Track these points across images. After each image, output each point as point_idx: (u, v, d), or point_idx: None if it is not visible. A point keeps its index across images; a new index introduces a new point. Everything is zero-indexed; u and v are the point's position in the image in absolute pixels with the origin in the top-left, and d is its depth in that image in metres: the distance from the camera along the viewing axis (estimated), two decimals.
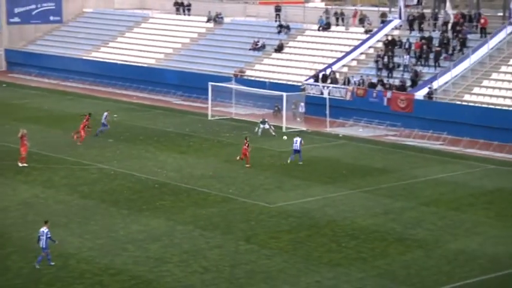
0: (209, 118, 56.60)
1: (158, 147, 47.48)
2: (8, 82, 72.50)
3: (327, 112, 54.38)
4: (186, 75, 66.69)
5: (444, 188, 39.20)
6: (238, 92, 58.27)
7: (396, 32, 61.10)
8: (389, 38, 59.64)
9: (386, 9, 66.30)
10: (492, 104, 51.10)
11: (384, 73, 57.30)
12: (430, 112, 52.13)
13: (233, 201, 36.68)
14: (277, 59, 64.68)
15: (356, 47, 61.34)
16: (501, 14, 59.81)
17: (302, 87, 58.11)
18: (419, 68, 55.99)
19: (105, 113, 50.55)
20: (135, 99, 64.83)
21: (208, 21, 73.15)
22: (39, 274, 27.69)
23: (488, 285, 27.58)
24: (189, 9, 76.53)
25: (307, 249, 30.43)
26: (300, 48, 64.88)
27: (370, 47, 61.14)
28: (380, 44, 60.36)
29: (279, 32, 67.06)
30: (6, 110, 58.83)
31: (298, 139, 43.62)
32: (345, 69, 59.94)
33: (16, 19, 79.32)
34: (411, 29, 60.41)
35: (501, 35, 55.33)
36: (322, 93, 56.84)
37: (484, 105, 51.20)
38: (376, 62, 58.33)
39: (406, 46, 57.77)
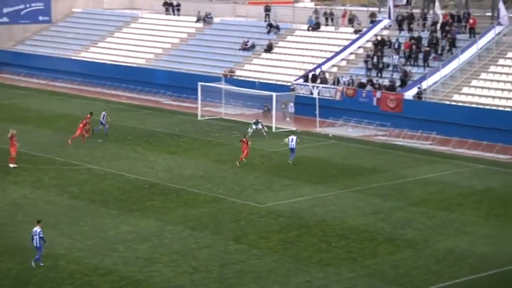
0: (199, 118, 56.58)
1: (148, 148, 47.42)
2: None
3: (317, 112, 54.45)
4: (175, 75, 66.64)
5: (433, 188, 39.31)
6: (228, 92, 58.28)
7: (385, 32, 61.22)
8: (379, 38, 59.75)
9: (376, 9, 66.44)
10: (481, 103, 51.26)
11: (374, 73, 57.40)
12: (420, 112, 52.26)
13: (223, 201, 36.68)
14: (267, 59, 64.71)
15: (345, 47, 61.43)
16: (490, 14, 60.00)
17: (292, 87, 58.15)
18: (408, 68, 56.11)
19: (103, 113, 50.65)
20: (125, 100, 64.74)
21: (197, 21, 73.12)
22: (28, 275, 27.63)
23: (477, 285, 27.67)
24: (178, 9, 76.50)
25: (297, 249, 30.46)
26: (289, 48, 64.94)
27: (359, 47, 61.24)
28: (369, 44, 60.47)
29: (269, 32, 67.10)
30: None
31: (293, 137, 43.95)
32: (335, 69, 60.02)
33: (5, 19, 79.04)
34: (400, 29, 60.54)
35: (490, 35, 55.50)
36: (311, 93, 56.90)
37: (473, 105, 51.35)
38: (366, 62, 58.43)
39: (396, 46, 57.88)
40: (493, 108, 50.55)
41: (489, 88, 52.40)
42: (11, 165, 41.97)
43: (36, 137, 49.74)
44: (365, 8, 68.85)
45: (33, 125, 53.28)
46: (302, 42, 64.87)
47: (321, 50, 62.86)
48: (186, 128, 53.39)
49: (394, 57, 57.09)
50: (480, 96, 51.98)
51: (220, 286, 27.04)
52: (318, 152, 46.65)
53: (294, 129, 52.53)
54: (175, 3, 76.88)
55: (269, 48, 65.03)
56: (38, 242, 28.21)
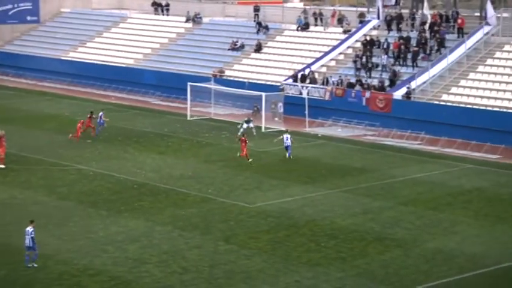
0: (188, 118, 56.56)
1: (137, 148, 47.39)
2: None
3: (306, 112, 54.51)
4: (164, 75, 66.60)
5: (422, 188, 39.42)
6: (217, 92, 58.29)
7: (374, 32, 61.35)
8: (368, 38, 59.88)
9: (365, 9, 66.53)
10: (469, 103, 51.43)
11: (363, 73, 57.51)
12: (409, 112, 52.39)
13: (212, 201, 36.70)
14: (256, 59, 64.74)
15: (334, 47, 61.52)
16: (478, 14, 60.18)
17: (281, 87, 58.21)
18: (397, 68, 56.24)
19: (101, 113, 50.98)
20: (114, 100, 64.65)
21: (186, 21, 73.08)
22: (16, 276, 27.58)
23: (466, 284, 27.77)
24: (167, 9, 76.43)
25: (286, 249, 30.50)
26: (278, 48, 64.99)
27: (348, 47, 61.34)
28: (358, 44, 60.58)
29: (258, 31, 67.14)
30: None
31: (288, 136, 44.47)
32: (324, 69, 60.11)
33: None
34: (389, 29, 60.66)
35: (478, 35, 55.68)
36: (301, 93, 56.97)
37: (461, 105, 51.51)
38: (355, 62, 58.54)
39: (385, 46, 58.02)
40: (482, 108, 50.72)
41: (478, 88, 52.58)
42: (2, 166, 41.89)
43: (25, 137, 49.61)
44: (354, 8, 68.96)
45: (22, 126, 53.13)
46: (291, 42, 64.93)
47: (310, 50, 62.93)
48: (175, 128, 53.36)
49: (383, 57, 57.20)
50: (469, 96, 52.15)
51: (210, 286, 27.06)
52: (307, 152, 46.71)
53: (283, 129, 52.53)
54: (164, 3, 76.81)
55: (258, 48, 65.06)
56: (30, 241, 28.21)
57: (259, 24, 67.42)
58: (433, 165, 44.24)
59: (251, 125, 50.95)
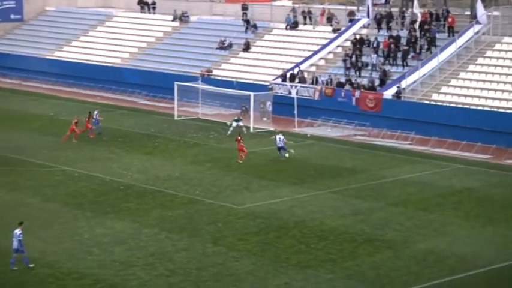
0: (175, 118, 56.50)
1: (123, 149, 47.30)
2: None
3: (295, 112, 54.53)
4: (151, 74, 66.49)
5: (412, 188, 39.50)
6: (205, 92, 58.24)
7: (364, 31, 61.42)
8: (357, 36, 59.93)
9: (354, 7, 66.63)
10: (460, 103, 51.56)
11: (352, 72, 57.56)
12: (399, 112, 52.47)
13: (200, 202, 36.66)
14: (245, 58, 64.72)
15: (324, 46, 61.57)
16: (468, 12, 60.33)
17: (270, 86, 58.20)
18: (387, 67, 56.33)
19: (96, 112, 50.96)
20: (100, 100, 64.49)
21: (174, 19, 72.99)
22: (0, 279, 27.46)
23: (457, 286, 27.83)
24: (154, 8, 76.31)
25: (275, 250, 30.50)
26: (267, 47, 64.99)
27: (338, 46, 61.39)
28: (348, 43, 60.64)
29: (246, 29, 67.12)
30: None
31: (281, 137, 44.63)
32: (313, 69, 60.15)
33: None
34: (379, 27, 60.76)
35: (469, 34, 55.80)
36: (290, 93, 56.98)
37: (452, 105, 51.63)
38: (344, 61, 58.59)
39: (374, 45, 58.10)
40: (473, 107, 50.84)
41: (468, 87, 52.71)
42: None
43: (9, 138, 49.43)
44: (343, 7, 69.02)
45: (6, 126, 52.95)
46: (280, 41, 64.94)
47: (299, 49, 62.96)
48: (162, 129, 53.29)
49: (372, 56, 57.27)
50: (459, 95, 52.28)
51: None
52: (297, 152, 46.68)
53: (272, 129, 52.59)
54: (150, 1, 76.68)
55: (247, 47, 65.05)
56: (17, 244, 28.08)
57: (247, 22, 67.41)
58: (423, 165, 44.33)
59: (240, 123, 50.99)
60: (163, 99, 63.04)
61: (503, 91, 51.31)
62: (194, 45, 68.57)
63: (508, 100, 50.34)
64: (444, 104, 51.95)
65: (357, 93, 54.69)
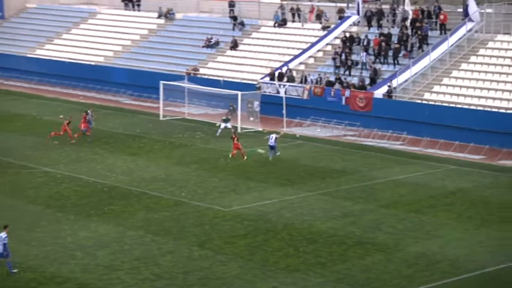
0: (161, 118, 56.45)
1: (107, 149, 47.23)
2: None
3: (284, 112, 54.58)
4: (136, 73, 66.41)
5: (404, 190, 39.58)
6: (191, 91, 58.22)
7: (354, 29, 61.52)
8: (347, 34, 60.03)
9: (344, 4, 66.66)
10: (453, 102, 51.70)
11: (342, 71, 57.64)
12: (390, 111, 52.58)
13: (186, 205, 36.64)
14: (232, 56, 64.73)
15: (313, 44, 61.63)
16: (461, 10, 60.47)
17: (257, 85, 58.24)
18: (378, 66, 56.43)
19: (89, 111, 51.05)
20: (83, 99, 64.41)
21: (159, 17, 72.93)
22: None
23: None
24: (138, 5, 76.21)
25: (263, 254, 30.51)
26: (255, 45, 65.02)
27: (327, 44, 61.46)
28: (338, 41, 60.72)
29: (234, 27, 67.11)
30: None
31: (273, 135, 44.81)
32: (302, 67, 60.19)
33: None
34: (369, 25, 60.86)
35: (461, 32, 55.92)
36: (278, 92, 57.03)
37: (444, 104, 51.77)
38: (334, 59, 58.66)
39: (365, 43, 58.19)
40: (465, 107, 50.98)
41: (461, 86, 52.86)
42: None
43: None
44: (333, 4, 69.10)
45: None
46: (268, 39, 64.99)
47: (287, 47, 63.02)
48: (147, 129, 53.24)
49: (362, 54, 57.35)
50: (452, 94, 52.43)
51: None
52: (285, 153, 46.71)
53: (260, 129, 52.63)
54: None
55: (234, 45, 65.06)
56: (1, 248, 27.97)
57: (234, 19, 67.40)
58: (415, 166, 44.43)
59: (229, 125, 51.03)
60: (148, 98, 62.98)
61: (496, 90, 51.48)
62: (180, 43, 68.53)
63: (501, 99, 50.52)
64: (436, 104, 52.07)
65: (347, 93, 54.77)
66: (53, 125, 50.21)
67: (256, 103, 55.89)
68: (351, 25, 61.98)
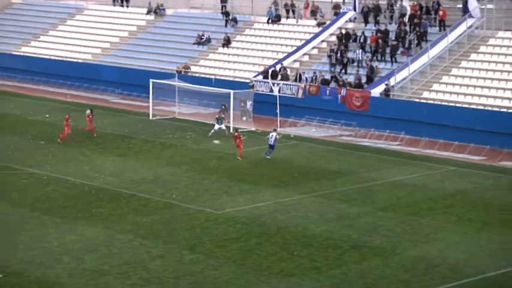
0: (150, 118, 56.45)
1: (95, 150, 47.21)
2: None
3: (278, 111, 54.61)
4: (124, 71, 66.39)
5: (402, 192, 39.64)
6: (182, 90, 58.19)
7: (350, 25, 61.60)
8: (343, 31, 60.12)
9: (340, 0, 66.74)
10: (452, 101, 51.81)
11: (338, 69, 57.69)
12: (387, 110, 52.66)
13: (176, 207, 36.65)
14: (224, 53, 64.76)
15: (308, 41, 61.70)
16: (461, 5, 60.56)
17: (250, 84, 58.27)
18: (375, 64, 56.50)
19: (88, 111, 51.60)
20: (70, 98, 64.37)
21: (148, 13, 72.91)
22: None
23: None
24: (127, 0, 76.15)
25: (256, 258, 30.53)
26: (248, 42, 65.06)
27: (322, 41, 61.54)
28: (333, 38, 60.79)
29: (226, 23, 67.13)
30: None
31: (273, 134, 45.16)
32: (296, 65, 60.26)
33: None
34: (366, 21, 60.94)
35: (461, 28, 56.02)
36: (272, 91, 57.07)
37: (443, 103, 51.88)
38: (330, 57, 58.73)
39: (361, 40, 58.27)
40: (465, 106, 51.09)
41: (461, 85, 52.97)
42: None
43: None
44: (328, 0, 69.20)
45: None
46: (261, 36, 65.03)
47: (281, 44, 63.07)
48: (136, 129, 53.23)
49: (359, 51, 57.41)
50: (451, 93, 52.53)
51: None
52: (279, 153, 46.75)
53: (253, 129, 52.66)
54: None
55: (226, 43, 65.07)
56: None
57: (226, 15, 67.40)
58: (413, 167, 44.50)
59: (223, 126, 51.05)
60: (137, 97, 62.96)
61: (497, 89, 51.61)
62: (170, 40, 68.53)
63: (502, 98, 50.64)
64: (435, 103, 52.18)
65: (343, 91, 54.83)
66: (38, 124, 50.08)
67: (249, 102, 55.93)
68: (347, 21, 62.06)
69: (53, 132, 50.20)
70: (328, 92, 55.52)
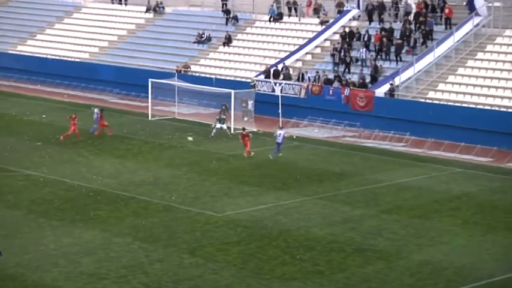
0: (149, 118, 56.51)
1: (93, 151, 47.26)
2: None
3: (280, 111, 54.64)
4: (123, 70, 66.45)
5: (407, 194, 39.67)
6: (182, 90, 58.24)
7: (354, 23, 61.65)
8: (347, 29, 60.16)
9: None
10: (458, 101, 51.84)
11: (341, 68, 57.73)
12: (392, 111, 52.70)
13: (176, 210, 36.68)
14: (225, 52, 64.82)
15: (311, 40, 61.75)
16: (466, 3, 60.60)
17: (252, 83, 58.31)
18: (379, 63, 56.55)
19: (96, 110, 51.74)
20: (67, 98, 64.42)
21: (147, 11, 73.00)
22: None
23: None
24: None
25: (258, 262, 30.56)
26: (249, 41, 65.13)
27: (326, 40, 61.60)
28: (337, 37, 60.85)
29: (227, 21, 67.19)
30: None
31: (281, 132, 45.62)
32: (299, 64, 60.31)
33: None
34: (370, 19, 60.99)
35: (467, 27, 56.08)
36: (273, 91, 57.12)
37: (449, 103, 51.92)
38: (333, 56, 58.78)
39: (365, 38, 58.31)
40: (472, 106, 51.13)
41: (467, 84, 53.01)
42: None
43: None
44: None
45: None
46: (263, 35, 65.10)
47: (283, 43, 63.14)
48: (135, 130, 53.27)
49: (361, 50, 57.43)
50: (457, 93, 52.57)
51: None
52: (282, 155, 46.79)
53: (254, 129, 52.70)
54: None
55: (227, 41, 65.13)
56: None
57: (227, 13, 67.45)
58: (418, 169, 44.52)
59: (225, 126, 51.15)
60: (136, 97, 63.02)
61: (504, 88, 51.65)
62: (170, 39, 68.60)
63: (510, 98, 50.69)
64: (441, 103, 52.21)
65: (347, 91, 54.87)
66: (34, 125, 50.12)
67: (251, 102, 55.98)
68: (350, 19, 62.12)
69: (50, 134, 50.26)
70: (331, 91, 55.57)
